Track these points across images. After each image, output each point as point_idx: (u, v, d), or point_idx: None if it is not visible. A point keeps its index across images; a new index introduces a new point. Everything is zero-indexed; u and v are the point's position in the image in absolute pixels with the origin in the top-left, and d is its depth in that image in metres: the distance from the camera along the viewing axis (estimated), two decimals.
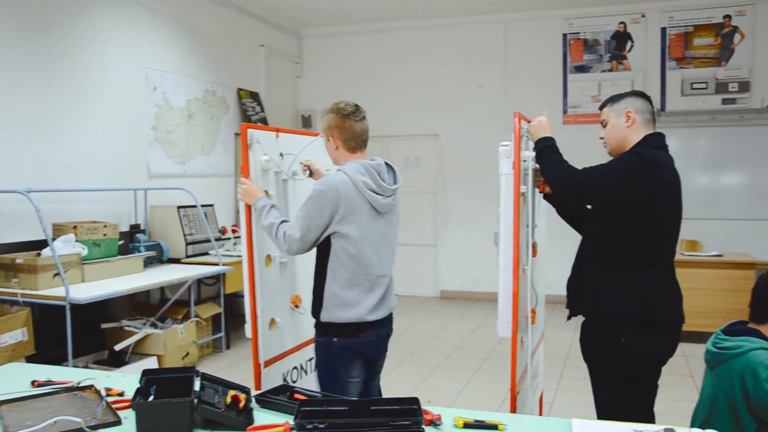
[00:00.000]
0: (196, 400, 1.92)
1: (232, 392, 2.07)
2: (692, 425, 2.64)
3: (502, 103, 8.43)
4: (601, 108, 2.76)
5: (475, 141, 8.57)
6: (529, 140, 2.81)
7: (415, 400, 1.86)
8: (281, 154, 3.16)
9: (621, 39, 8.25)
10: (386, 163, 2.85)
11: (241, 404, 2.03)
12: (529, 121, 2.88)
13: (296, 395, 2.19)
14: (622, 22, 8.23)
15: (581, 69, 8.38)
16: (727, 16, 7.84)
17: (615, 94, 2.75)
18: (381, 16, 8.80)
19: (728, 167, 7.91)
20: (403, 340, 6.65)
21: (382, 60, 9.13)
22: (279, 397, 2.19)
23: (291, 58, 9.32)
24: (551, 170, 2.63)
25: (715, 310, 6.04)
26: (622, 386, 2.58)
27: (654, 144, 2.60)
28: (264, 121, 8.30)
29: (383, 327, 2.87)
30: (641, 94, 2.71)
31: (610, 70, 8.24)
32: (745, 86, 7.71)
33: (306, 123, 9.22)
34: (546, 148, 2.69)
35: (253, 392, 2.21)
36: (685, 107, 7.96)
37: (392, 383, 5.25)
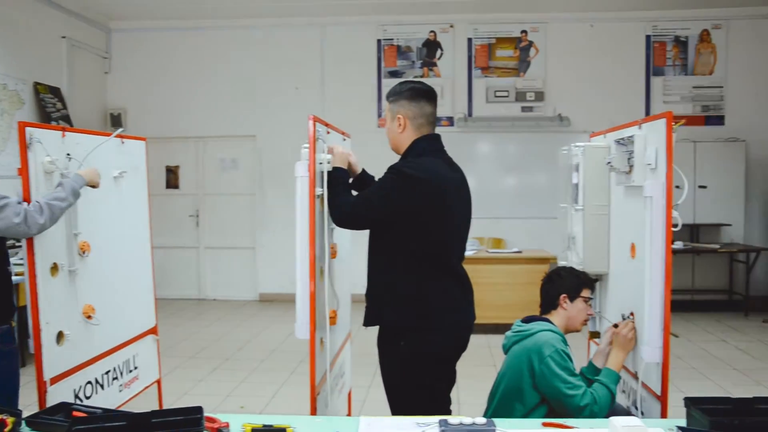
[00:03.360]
0: None
1: None
2: (486, 409, 2.85)
3: (318, 105, 8.48)
4: (386, 98, 2.76)
5: (291, 142, 8.34)
6: (326, 143, 2.84)
7: (198, 410, 1.81)
8: (68, 156, 2.96)
9: (431, 47, 8.65)
10: None
11: (7, 428, 1.87)
12: (327, 125, 2.93)
13: (74, 413, 2.05)
14: (432, 31, 8.63)
15: (395, 74, 8.66)
16: (524, 32, 8.51)
17: (400, 82, 2.73)
18: (196, 13, 8.52)
19: (529, 170, 8.57)
20: (218, 346, 6.48)
21: (198, 58, 8.85)
22: (56, 417, 2.04)
23: (98, 52, 8.74)
24: (329, 203, 2.65)
25: (515, 302, 6.48)
26: (407, 385, 2.67)
27: (419, 151, 2.64)
28: (66, 118, 7.72)
29: None
30: (420, 94, 2.66)
31: (422, 76, 8.59)
32: (540, 96, 8.40)
33: (115, 122, 8.68)
34: (334, 179, 2.68)
35: (30, 413, 2.04)
36: (489, 113, 8.51)
37: (204, 391, 5.11)
